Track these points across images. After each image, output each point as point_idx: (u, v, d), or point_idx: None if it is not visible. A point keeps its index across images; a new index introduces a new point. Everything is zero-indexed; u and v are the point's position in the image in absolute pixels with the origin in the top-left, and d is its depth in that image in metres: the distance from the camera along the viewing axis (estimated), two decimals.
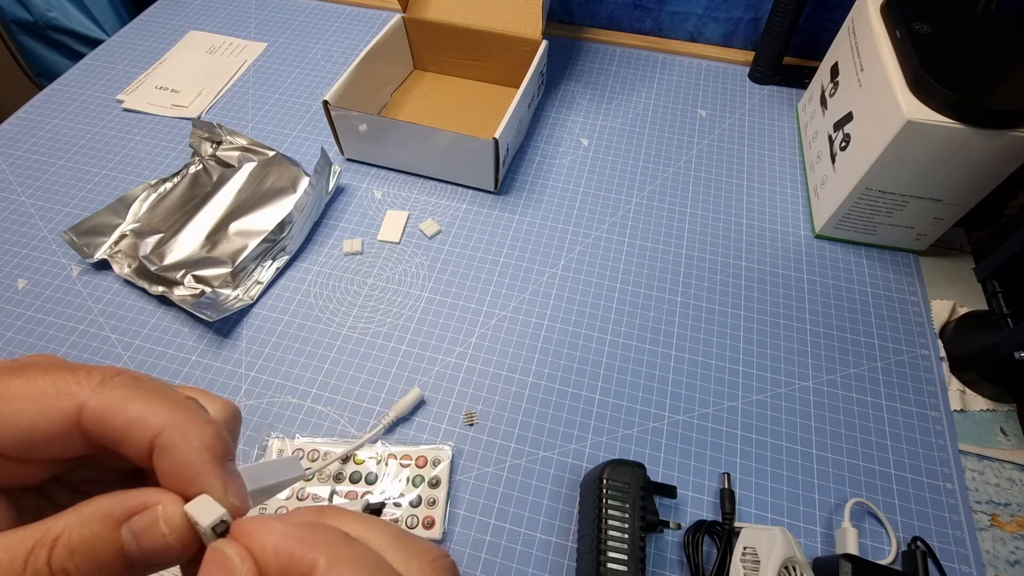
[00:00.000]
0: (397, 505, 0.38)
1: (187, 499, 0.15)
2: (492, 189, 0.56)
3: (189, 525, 0.14)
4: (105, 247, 0.50)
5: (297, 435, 0.41)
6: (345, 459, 0.40)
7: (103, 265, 0.50)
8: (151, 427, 0.14)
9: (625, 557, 0.32)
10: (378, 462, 0.39)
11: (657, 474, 0.40)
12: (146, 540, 0.14)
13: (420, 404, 0.43)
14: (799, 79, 0.65)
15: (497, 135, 0.50)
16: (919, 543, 0.36)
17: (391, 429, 0.42)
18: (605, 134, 0.62)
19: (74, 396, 0.14)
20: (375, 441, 0.41)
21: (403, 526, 0.37)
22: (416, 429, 0.42)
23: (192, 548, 0.15)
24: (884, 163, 0.44)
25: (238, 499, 0.15)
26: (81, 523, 0.14)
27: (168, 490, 0.15)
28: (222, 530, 0.14)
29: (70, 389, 0.14)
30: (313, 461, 0.39)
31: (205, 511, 0.14)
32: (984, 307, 0.47)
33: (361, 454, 0.40)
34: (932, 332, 0.47)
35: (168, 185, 0.55)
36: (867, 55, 0.47)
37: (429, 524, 0.37)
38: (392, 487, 0.38)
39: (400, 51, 0.64)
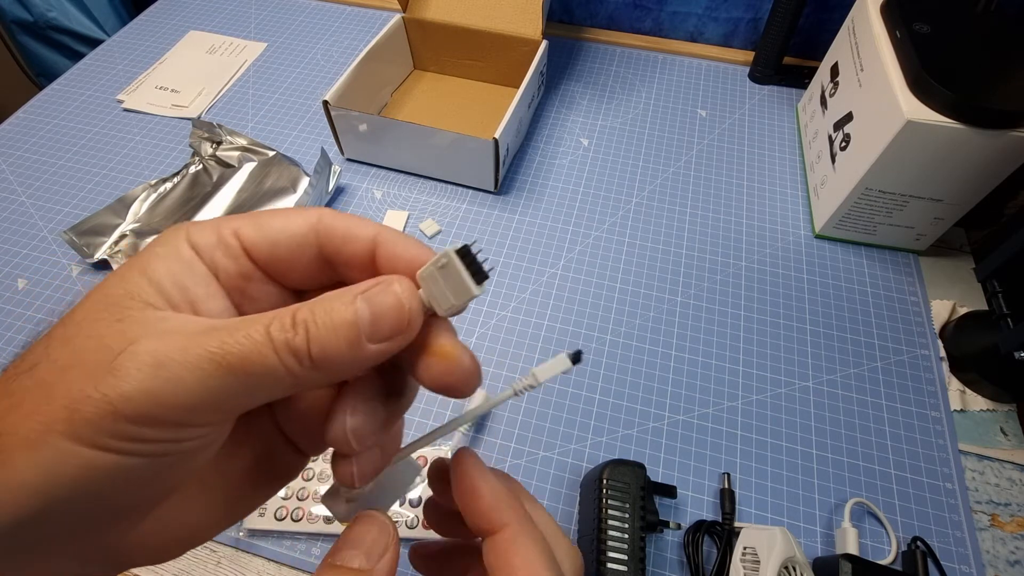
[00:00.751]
0: (399, 504, 0.38)
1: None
2: (492, 189, 0.56)
3: (416, 288, 0.16)
4: (105, 247, 0.50)
5: None
6: None
7: (103, 265, 0.50)
8: (371, 229, 0.17)
9: (625, 557, 0.32)
10: None
11: (657, 474, 0.40)
12: (378, 301, 0.15)
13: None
14: (799, 79, 0.65)
15: (497, 135, 0.50)
16: (919, 543, 0.36)
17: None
18: (605, 134, 0.62)
19: (314, 212, 0.17)
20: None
21: (404, 526, 0.37)
22: (416, 429, 0.42)
23: (420, 316, 0.16)
24: (884, 163, 0.44)
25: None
26: (320, 298, 0.15)
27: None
28: (467, 252, 0.16)
29: (312, 210, 0.18)
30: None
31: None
32: (984, 307, 0.47)
33: None
34: (932, 332, 0.47)
35: (168, 185, 0.55)
36: (867, 55, 0.47)
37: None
38: None
39: (400, 51, 0.64)
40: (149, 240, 0.50)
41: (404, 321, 0.16)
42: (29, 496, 0.13)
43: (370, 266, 0.17)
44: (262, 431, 0.18)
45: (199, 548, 0.37)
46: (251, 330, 0.14)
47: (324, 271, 0.18)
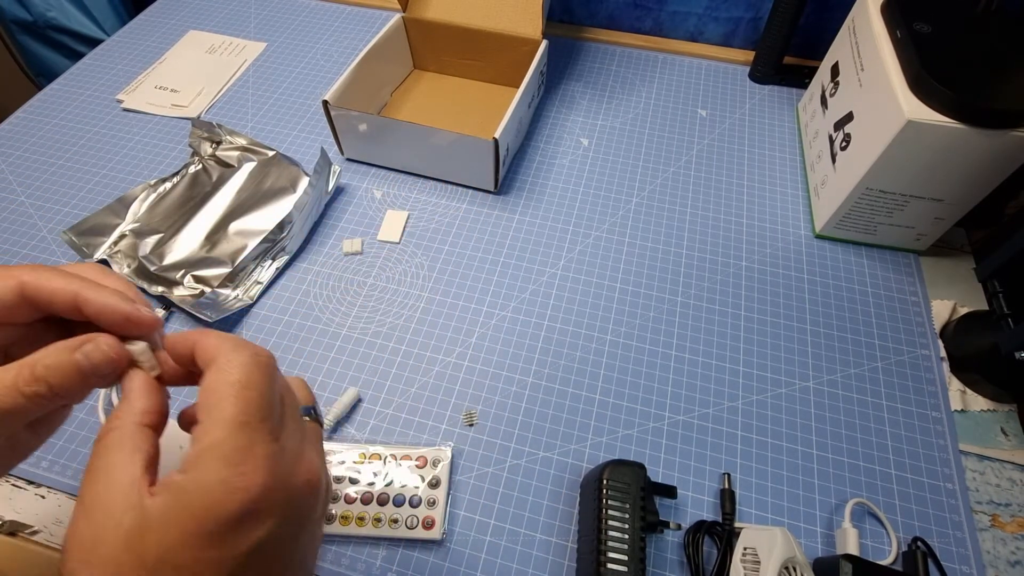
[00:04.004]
0: (398, 505, 0.38)
1: (112, 333, 0.22)
2: (492, 189, 0.56)
3: (121, 346, 0.23)
4: (104, 247, 0.50)
5: None
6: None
7: (103, 265, 0.50)
8: (71, 289, 0.22)
9: (625, 557, 0.32)
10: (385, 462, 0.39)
11: (657, 474, 0.40)
12: (93, 357, 0.22)
13: (358, 402, 0.43)
14: (799, 79, 0.65)
15: (497, 135, 0.50)
16: (920, 543, 0.36)
17: (334, 430, 0.42)
18: (605, 134, 0.62)
19: (15, 276, 0.22)
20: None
21: (403, 527, 0.37)
22: (416, 429, 0.42)
23: (122, 360, 0.22)
24: (884, 163, 0.44)
25: (142, 306, 0.23)
26: (48, 354, 0.21)
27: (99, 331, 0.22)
28: (150, 346, 0.23)
29: (12, 273, 0.22)
30: None
31: (132, 346, 0.23)
32: (985, 307, 0.47)
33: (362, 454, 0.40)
34: (933, 332, 0.47)
35: (168, 185, 0.55)
36: (867, 55, 0.47)
37: (429, 524, 0.37)
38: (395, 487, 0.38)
39: (400, 51, 0.64)
40: (149, 239, 0.50)
41: (111, 365, 0.22)
42: None
43: (78, 312, 0.22)
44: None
45: None
46: (3, 387, 0.20)
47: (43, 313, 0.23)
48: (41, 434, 0.26)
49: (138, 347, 0.23)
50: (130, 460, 0.20)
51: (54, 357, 0.21)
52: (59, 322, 0.24)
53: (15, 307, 0.22)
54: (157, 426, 0.22)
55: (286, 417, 0.22)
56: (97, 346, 0.22)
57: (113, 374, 0.23)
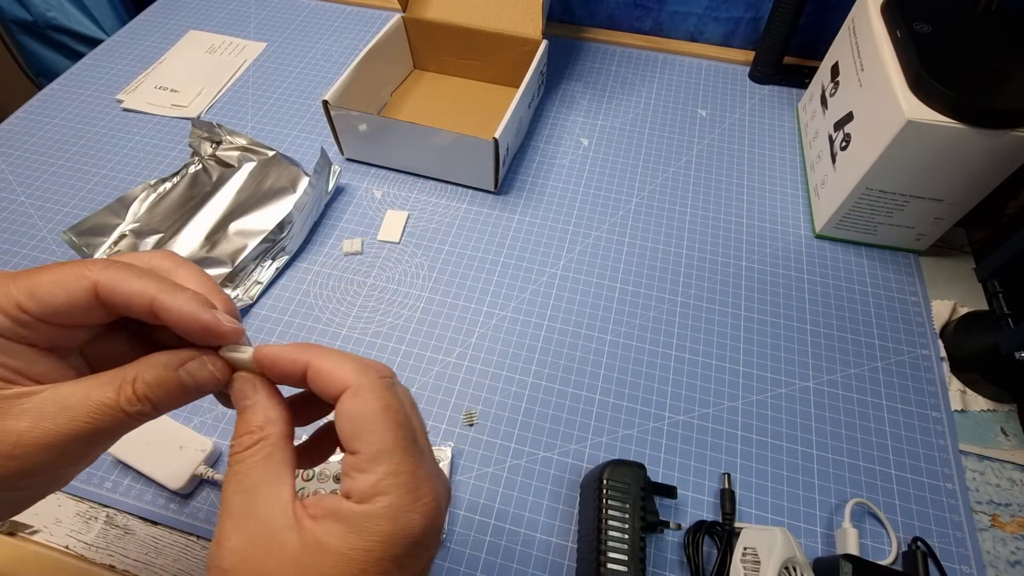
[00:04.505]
0: None
1: (205, 346, 0.22)
2: (492, 189, 0.56)
3: (226, 363, 0.22)
4: (104, 247, 0.50)
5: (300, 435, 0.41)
6: None
7: None
8: (149, 293, 0.20)
9: (625, 558, 0.32)
10: None
11: (657, 474, 0.40)
12: (199, 375, 0.21)
13: None
14: (799, 79, 0.65)
15: (497, 135, 0.50)
16: (920, 543, 0.36)
17: None
18: (605, 134, 0.62)
19: (88, 277, 0.20)
20: None
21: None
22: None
23: (227, 378, 0.22)
24: (884, 163, 0.44)
25: (227, 315, 0.22)
26: (149, 368, 0.21)
27: (196, 344, 0.22)
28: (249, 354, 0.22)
29: (84, 272, 0.20)
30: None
31: (238, 353, 0.22)
32: (985, 307, 0.47)
33: None
34: (933, 332, 0.47)
35: (168, 185, 0.55)
36: (867, 55, 0.47)
37: None
38: None
39: (400, 51, 0.64)
40: (149, 240, 0.50)
41: (217, 384, 0.22)
42: None
43: (154, 318, 0.21)
44: None
45: (199, 549, 0.37)
46: (104, 406, 0.20)
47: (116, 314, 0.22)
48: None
49: (246, 356, 0.22)
50: (281, 474, 0.20)
51: (155, 373, 0.20)
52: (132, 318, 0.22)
53: (90, 309, 0.20)
54: (292, 437, 0.22)
55: (421, 432, 0.22)
56: (203, 364, 0.21)
57: (214, 391, 0.22)
